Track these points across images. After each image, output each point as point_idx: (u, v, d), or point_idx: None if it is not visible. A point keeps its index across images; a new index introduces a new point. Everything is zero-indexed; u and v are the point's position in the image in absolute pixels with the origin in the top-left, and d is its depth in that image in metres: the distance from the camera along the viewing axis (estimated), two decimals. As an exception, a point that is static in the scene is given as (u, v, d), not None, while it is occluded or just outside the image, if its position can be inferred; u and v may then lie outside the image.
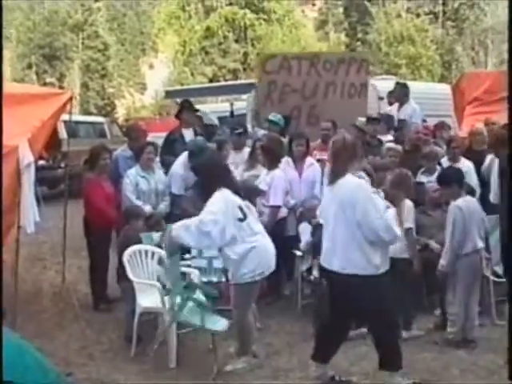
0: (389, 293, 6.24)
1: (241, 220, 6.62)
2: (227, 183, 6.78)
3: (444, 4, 43.34)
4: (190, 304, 6.79)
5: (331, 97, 12.03)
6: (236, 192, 6.80)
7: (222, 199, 6.55)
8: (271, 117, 10.97)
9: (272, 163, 9.24)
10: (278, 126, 10.84)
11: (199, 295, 7.01)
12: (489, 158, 9.65)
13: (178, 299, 6.71)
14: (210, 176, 6.86)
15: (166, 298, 6.95)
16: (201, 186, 7.21)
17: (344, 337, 6.56)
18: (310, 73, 11.98)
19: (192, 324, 6.78)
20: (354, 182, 6.12)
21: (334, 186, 6.14)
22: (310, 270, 8.70)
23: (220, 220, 6.40)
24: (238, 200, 6.70)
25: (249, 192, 7.75)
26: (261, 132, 11.08)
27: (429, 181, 9.37)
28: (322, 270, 6.36)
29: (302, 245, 8.90)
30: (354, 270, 5.99)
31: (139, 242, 7.83)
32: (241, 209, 6.65)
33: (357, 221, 5.93)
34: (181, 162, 9.67)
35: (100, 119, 26.20)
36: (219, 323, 6.87)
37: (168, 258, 6.82)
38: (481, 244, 7.60)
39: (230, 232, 6.51)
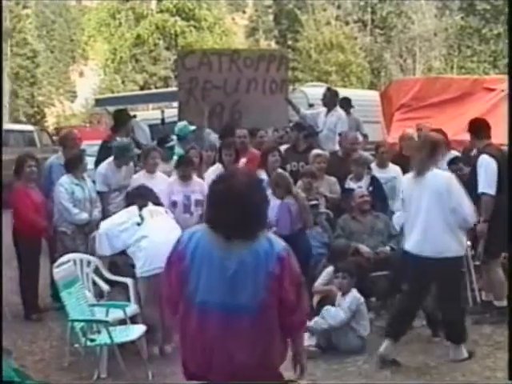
0: None
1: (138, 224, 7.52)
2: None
3: (372, 12, 43.92)
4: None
5: (253, 92, 12.13)
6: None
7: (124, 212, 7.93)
8: (177, 132, 10.95)
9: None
10: (185, 136, 10.83)
11: (100, 314, 7.07)
12: None
13: (78, 327, 6.77)
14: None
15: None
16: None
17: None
18: (231, 69, 12.07)
19: (102, 344, 6.74)
20: (446, 174, 7.03)
21: (421, 178, 6.73)
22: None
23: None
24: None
25: None
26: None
27: (358, 186, 9.49)
28: (411, 257, 6.87)
29: None
30: (450, 253, 6.67)
31: None
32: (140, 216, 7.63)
33: (452, 208, 6.59)
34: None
35: (29, 127, 25.64)
36: (132, 331, 6.92)
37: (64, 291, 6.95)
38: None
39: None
